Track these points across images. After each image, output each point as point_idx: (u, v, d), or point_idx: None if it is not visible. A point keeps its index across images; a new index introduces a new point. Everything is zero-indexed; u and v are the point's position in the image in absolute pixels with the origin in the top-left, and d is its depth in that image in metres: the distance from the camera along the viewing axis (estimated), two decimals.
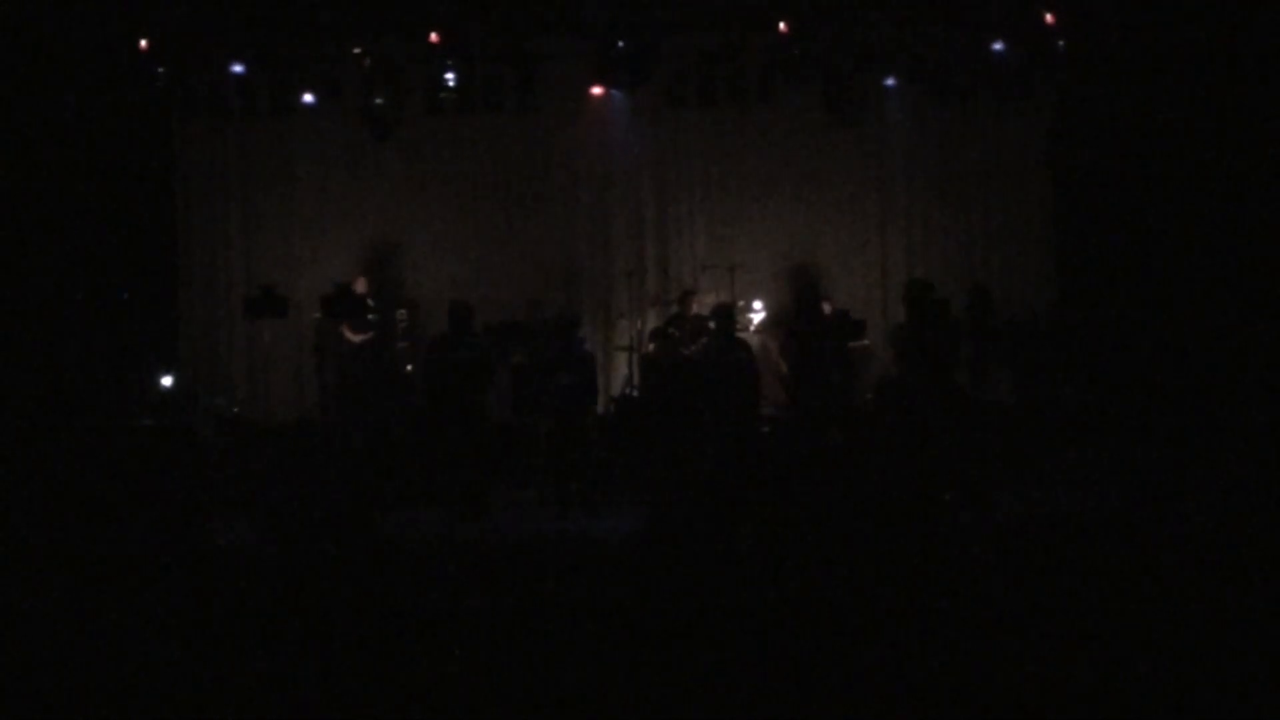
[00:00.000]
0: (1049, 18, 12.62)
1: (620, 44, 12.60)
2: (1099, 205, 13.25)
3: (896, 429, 10.84)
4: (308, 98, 13.09)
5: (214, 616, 6.64)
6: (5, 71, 12.26)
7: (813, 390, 12.03)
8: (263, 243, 14.00)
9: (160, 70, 12.69)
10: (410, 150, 13.85)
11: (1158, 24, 12.57)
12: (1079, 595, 6.81)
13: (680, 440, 11.37)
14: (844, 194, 14.06)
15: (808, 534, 7.48)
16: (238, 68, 12.79)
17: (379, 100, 12.91)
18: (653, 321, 13.31)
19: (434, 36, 12.64)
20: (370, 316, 13.08)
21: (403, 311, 13.28)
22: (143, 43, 12.57)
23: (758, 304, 13.27)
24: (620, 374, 13.18)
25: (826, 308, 12.87)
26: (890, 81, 13.37)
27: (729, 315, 12.10)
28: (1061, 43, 12.63)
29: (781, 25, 12.67)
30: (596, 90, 13.59)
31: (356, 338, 13.13)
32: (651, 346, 12.60)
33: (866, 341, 12.98)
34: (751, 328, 13.12)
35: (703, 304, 13.04)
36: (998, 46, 12.80)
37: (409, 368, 12.99)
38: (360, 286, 13.17)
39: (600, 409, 12.29)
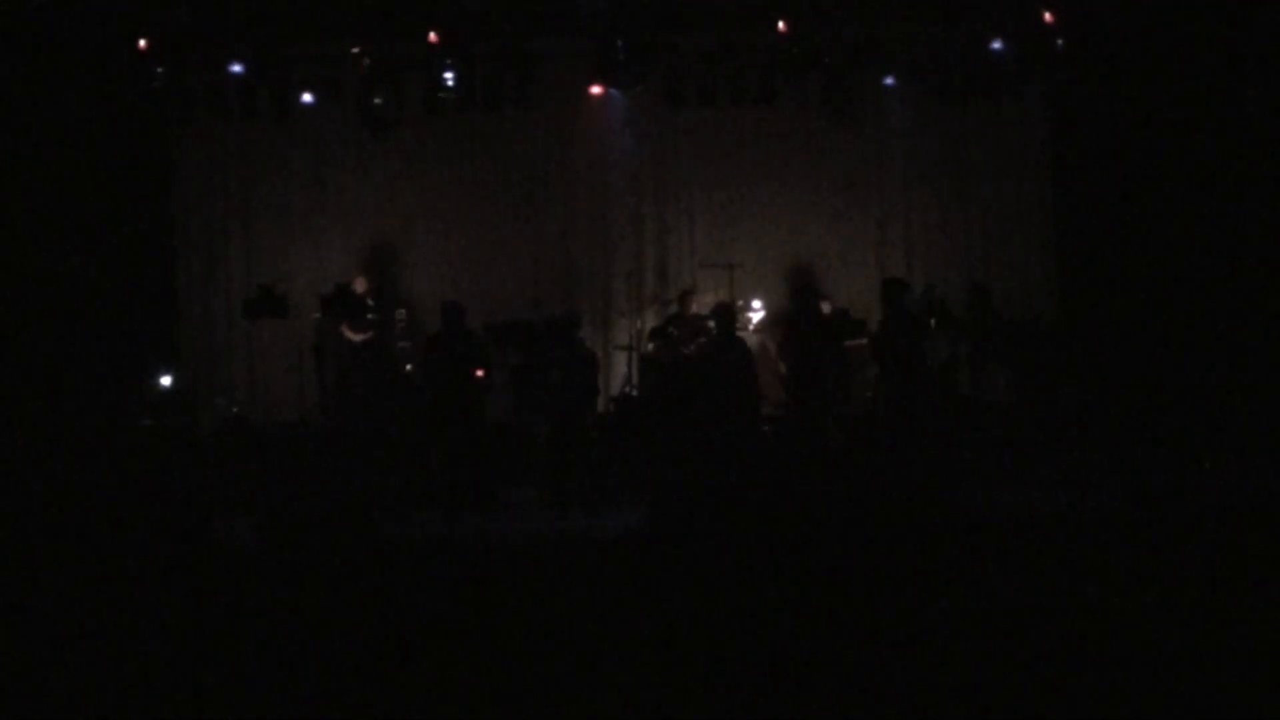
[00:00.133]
0: (1048, 17, 12.63)
1: (620, 43, 12.61)
2: (1098, 204, 13.27)
3: (888, 427, 10.90)
4: (307, 98, 13.12)
5: (214, 616, 6.63)
6: (5, 72, 12.26)
7: (811, 390, 12.04)
8: (262, 243, 14.00)
9: (159, 70, 12.69)
10: (409, 150, 13.86)
11: (1157, 23, 12.59)
12: (1078, 595, 6.80)
13: (680, 440, 11.37)
14: (844, 194, 14.06)
15: (807, 533, 7.47)
16: (237, 68, 12.80)
17: (378, 100, 12.92)
18: (652, 321, 13.31)
19: (433, 36, 12.65)
20: (370, 316, 13.08)
21: (402, 311, 13.28)
22: (142, 43, 12.58)
23: (757, 303, 13.27)
24: (619, 374, 13.18)
25: (826, 307, 12.87)
26: (890, 81, 13.39)
27: (729, 314, 12.10)
28: (1060, 42, 12.64)
29: (781, 25, 12.68)
30: (596, 90, 13.59)
31: (356, 337, 13.13)
32: (650, 346, 12.60)
33: (865, 340, 12.98)
34: (750, 327, 13.12)
35: (702, 304, 13.04)
36: (997, 46, 12.82)
37: (409, 367, 13.00)
38: (360, 286, 13.16)
39: (600, 409, 12.29)
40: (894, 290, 11.67)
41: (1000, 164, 14.00)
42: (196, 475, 11.07)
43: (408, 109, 13.13)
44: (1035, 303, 13.51)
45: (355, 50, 12.85)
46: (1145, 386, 11.89)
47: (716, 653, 6.08)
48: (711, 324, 12.46)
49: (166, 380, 12.66)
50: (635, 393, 12.44)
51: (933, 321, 12.80)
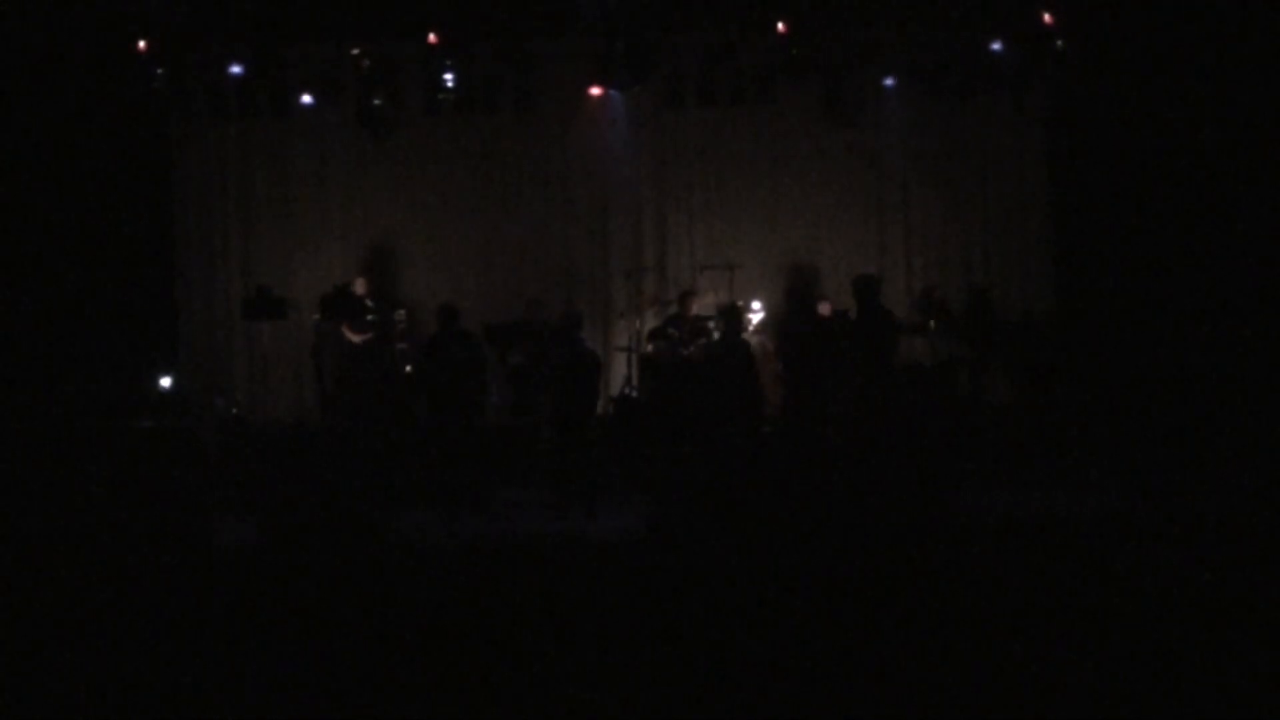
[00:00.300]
0: (1047, 18, 12.64)
1: (619, 44, 12.61)
2: (1098, 205, 13.26)
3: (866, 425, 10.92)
4: (306, 98, 13.11)
5: (214, 616, 6.63)
6: (4, 72, 12.26)
7: (810, 390, 12.04)
8: (262, 244, 13.99)
9: (159, 71, 12.69)
10: (409, 151, 13.86)
11: (1156, 23, 12.59)
12: (1078, 595, 6.81)
13: (680, 440, 11.37)
14: (843, 194, 14.05)
15: (806, 534, 7.47)
16: (236, 68, 12.80)
17: (377, 101, 12.93)
18: (651, 322, 13.31)
19: (432, 37, 12.65)
20: (369, 317, 13.08)
21: (401, 312, 13.28)
22: (141, 43, 12.58)
23: (756, 304, 13.26)
24: (619, 374, 13.18)
25: (826, 308, 12.86)
26: (890, 81, 13.39)
27: (737, 316, 12.11)
28: (1060, 42, 12.64)
29: (781, 25, 12.68)
30: (595, 90, 13.58)
31: (356, 338, 13.13)
32: (650, 347, 12.60)
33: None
34: (750, 328, 13.12)
35: (702, 304, 13.04)
36: (996, 46, 12.82)
37: (408, 368, 13.00)
38: (359, 287, 13.16)
39: (600, 409, 12.29)
40: (866, 286, 11.62)
41: (1000, 164, 14.00)
42: (196, 475, 11.07)
43: (407, 109, 13.13)
44: (1034, 303, 13.50)
45: (355, 50, 12.85)
46: (1144, 386, 11.89)
47: (716, 653, 6.08)
48: (712, 324, 12.47)
49: (166, 382, 12.66)
50: (635, 394, 12.43)
51: (932, 322, 12.83)
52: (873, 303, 11.53)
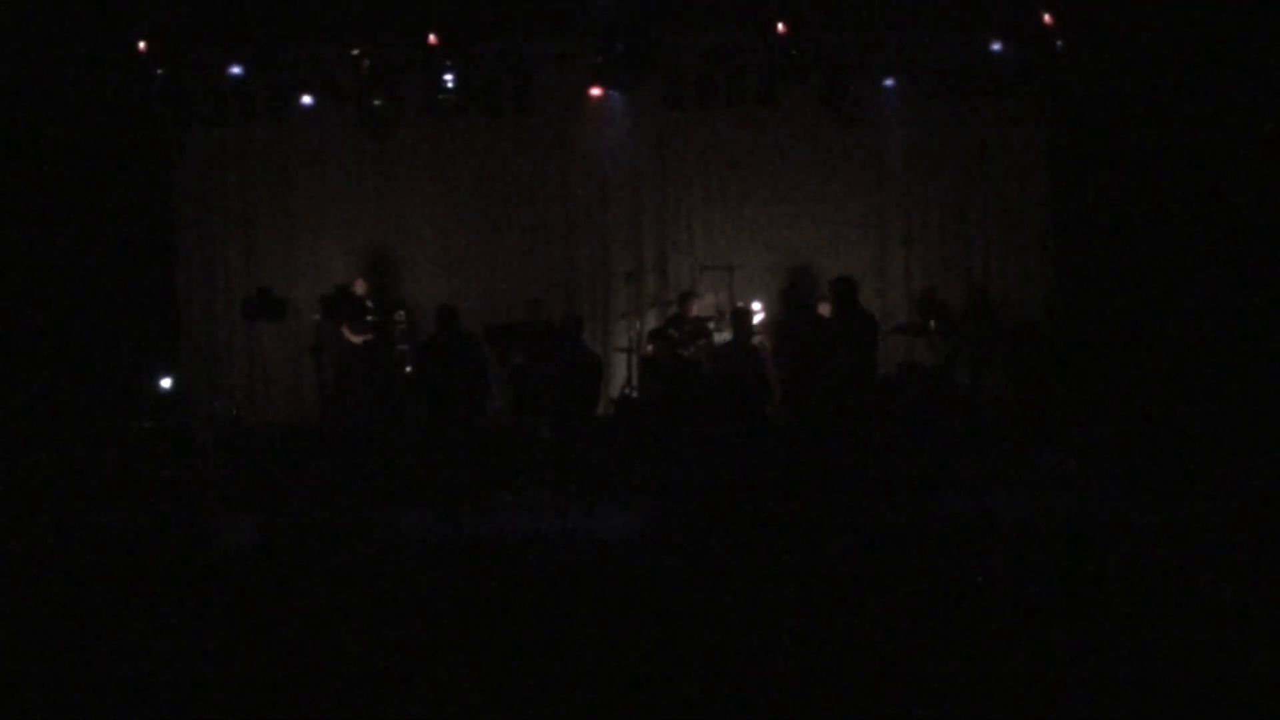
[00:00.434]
0: (1047, 18, 12.64)
1: (619, 44, 12.61)
2: (1098, 205, 13.27)
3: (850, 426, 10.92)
4: (306, 99, 13.11)
5: (214, 616, 6.63)
6: (4, 73, 12.26)
7: (808, 390, 12.03)
8: (262, 244, 13.99)
9: (158, 72, 12.71)
10: (409, 152, 13.86)
11: (1156, 24, 12.58)
12: (1077, 596, 6.81)
13: (680, 442, 11.37)
14: (843, 194, 14.04)
15: (806, 533, 7.48)
16: (236, 70, 12.80)
17: (377, 102, 12.92)
18: (651, 322, 13.31)
19: (432, 38, 12.65)
20: (370, 318, 13.09)
21: (401, 313, 13.28)
22: (141, 45, 12.58)
23: (757, 304, 13.26)
24: (619, 375, 13.18)
25: (826, 308, 12.86)
26: (889, 81, 13.38)
27: (746, 318, 12.11)
28: (1060, 43, 12.64)
29: (781, 25, 12.69)
30: (595, 91, 13.59)
31: (356, 339, 13.13)
32: (650, 348, 12.60)
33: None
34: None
35: (702, 305, 13.04)
36: (996, 47, 12.83)
37: (408, 369, 13.00)
38: (359, 288, 13.17)
39: (600, 410, 12.29)
40: (845, 289, 11.60)
41: (999, 164, 13.99)
42: (196, 475, 11.07)
43: (407, 111, 13.13)
44: (1034, 303, 13.51)
45: (355, 52, 12.85)
46: (1144, 386, 11.89)
47: (716, 653, 6.08)
48: (713, 325, 12.47)
49: (166, 382, 12.67)
50: (635, 394, 12.44)
51: (932, 322, 12.84)
52: (852, 304, 11.50)
